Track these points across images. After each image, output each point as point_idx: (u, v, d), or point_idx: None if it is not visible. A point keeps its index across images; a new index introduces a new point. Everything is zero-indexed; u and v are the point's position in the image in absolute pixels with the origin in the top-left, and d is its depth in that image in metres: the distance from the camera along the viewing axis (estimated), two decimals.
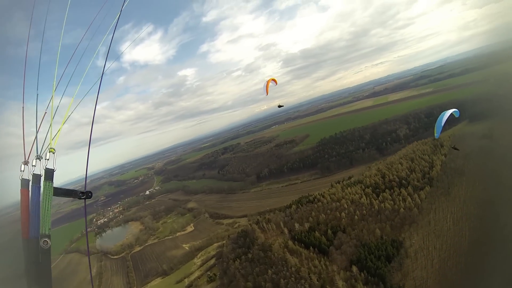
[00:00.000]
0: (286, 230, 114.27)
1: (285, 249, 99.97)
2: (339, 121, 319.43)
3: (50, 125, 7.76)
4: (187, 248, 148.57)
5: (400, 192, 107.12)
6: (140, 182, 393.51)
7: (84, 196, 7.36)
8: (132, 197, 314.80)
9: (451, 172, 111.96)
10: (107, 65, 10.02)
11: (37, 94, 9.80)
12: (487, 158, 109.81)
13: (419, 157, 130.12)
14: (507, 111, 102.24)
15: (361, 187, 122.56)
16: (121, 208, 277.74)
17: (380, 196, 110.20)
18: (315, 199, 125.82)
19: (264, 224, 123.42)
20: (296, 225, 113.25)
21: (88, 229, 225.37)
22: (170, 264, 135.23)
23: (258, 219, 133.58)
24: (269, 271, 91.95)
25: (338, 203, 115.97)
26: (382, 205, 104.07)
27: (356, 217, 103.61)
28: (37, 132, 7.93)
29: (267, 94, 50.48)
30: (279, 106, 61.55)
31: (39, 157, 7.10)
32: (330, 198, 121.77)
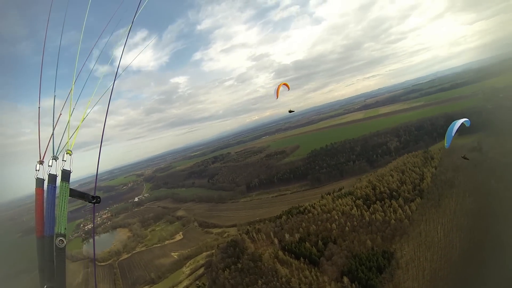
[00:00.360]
0: (276, 241, 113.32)
1: (275, 260, 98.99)
2: (330, 133, 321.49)
3: (67, 126, 7.81)
4: (175, 256, 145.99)
5: (391, 204, 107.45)
6: (129, 188, 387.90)
7: (94, 201, 7.58)
8: (121, 203, 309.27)
9: (441, 184, 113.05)
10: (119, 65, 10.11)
11: (54, 96, 9.66)
12: (476, 171, 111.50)
13: (409, 169, 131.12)
14: (495, 124, 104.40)
15: (352, 198, 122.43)
16: (109, 214, 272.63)
17: (371, 207, 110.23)
18: (306, 210, 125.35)
19: (254, 234, 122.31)
20: (286, 235, 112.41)
21: (75, 235, 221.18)
22: (158, 272, 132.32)
23: (248, 229, 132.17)
24: (259, 281, 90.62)
25: (328, 214, 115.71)
26: (373, 216, 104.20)
27: (347, 228, 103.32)
28: (53, 133, 7.88)
29: (277, 98, 50.19)
30: (290, 111, 60.76)
31: (55, 158, 7.09)
32: (321, 209, 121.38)
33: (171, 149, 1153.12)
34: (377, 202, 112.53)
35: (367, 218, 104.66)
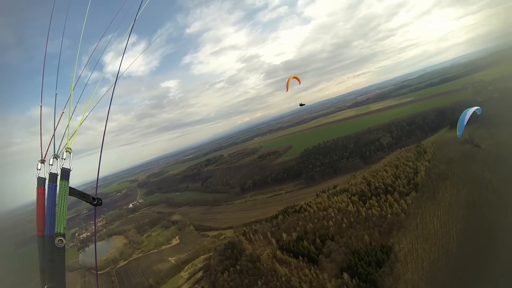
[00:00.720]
0: (273, 240, 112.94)
1: (274, 259, 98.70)
2: (322, 131, 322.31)
3: (67, 125, 7.80)
4: (173, 261, 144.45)
5: (387, 199, 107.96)
6: (123, 195, 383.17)
7: (96, 202, 7.65)
8: (115, 210, 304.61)
9: (435, 177, 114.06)
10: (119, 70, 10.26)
11: (56, 94, 9.84)
12: (469, 162, 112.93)
13: (403, 163, 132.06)
14: (485, 117, 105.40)
15: (347, 195, 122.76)
16: (104, 222, 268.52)
17: (367, 203, 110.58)
18: (302, 209, 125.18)
19: (251, 235, 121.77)
20: (284, 235, 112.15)
21: (71, 244, 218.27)
22: (157, 278, 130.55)
23: (244, 230, 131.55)
24: (259, 281, 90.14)
25: (325, 212, 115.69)
26: (369, 212, 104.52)
27: (344, 225, 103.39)
28: (54, 131, 7.93)
29: (287, 90, 50.08)
30: (301, 105, 59.96)
31: (56, 156, 7.01)
32: (317, 207, 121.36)
33: (163, 153, 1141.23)
34: (373, 197, 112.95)
35: (363, 214, 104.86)
